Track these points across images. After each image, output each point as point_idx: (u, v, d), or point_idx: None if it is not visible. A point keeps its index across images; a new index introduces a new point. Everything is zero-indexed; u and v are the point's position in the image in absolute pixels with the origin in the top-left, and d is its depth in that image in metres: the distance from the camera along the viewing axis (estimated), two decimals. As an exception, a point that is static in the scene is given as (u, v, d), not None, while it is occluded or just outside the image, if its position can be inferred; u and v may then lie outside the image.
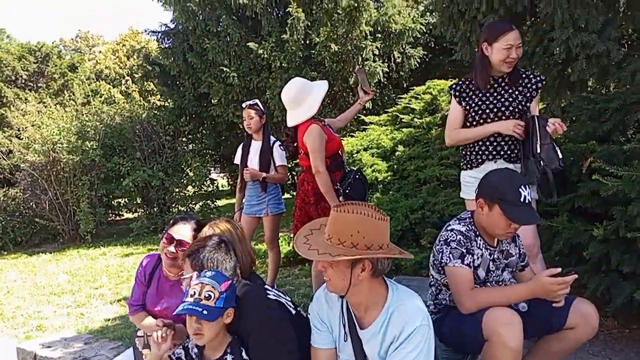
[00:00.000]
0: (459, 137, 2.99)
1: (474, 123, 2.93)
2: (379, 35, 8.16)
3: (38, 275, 7.09)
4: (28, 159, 9.66)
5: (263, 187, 4.09)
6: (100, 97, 15.53)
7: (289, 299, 2.05)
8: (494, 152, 2.89)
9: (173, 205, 10.75)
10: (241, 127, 11.49)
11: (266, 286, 2.11)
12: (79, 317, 4.80)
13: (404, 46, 8.42)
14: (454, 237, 2.16)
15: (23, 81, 14.63)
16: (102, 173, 9.93)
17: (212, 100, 9.78)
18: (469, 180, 3.09)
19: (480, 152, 2.95)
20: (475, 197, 2.25)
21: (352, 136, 6.65)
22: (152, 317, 2.72)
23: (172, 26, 10.29)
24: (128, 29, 21.30)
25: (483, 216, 2.21)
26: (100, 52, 18.97)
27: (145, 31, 9.96)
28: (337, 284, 1.75)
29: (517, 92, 2.82)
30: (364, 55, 8.00)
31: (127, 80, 18.42)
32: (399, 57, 8.80)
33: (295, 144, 3.51)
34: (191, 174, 10.57)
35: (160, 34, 10.25)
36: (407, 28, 8.08)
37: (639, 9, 3.45)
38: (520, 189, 2.13)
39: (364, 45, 7.95)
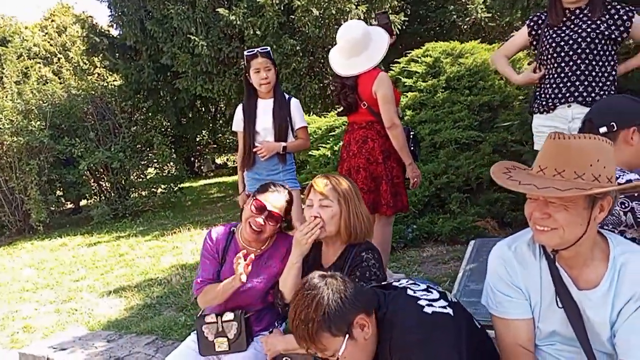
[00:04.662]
0: (497, 60, 3.01)
1: (550, 58, 2.69)
2: (363, -1, 7.76)
3: (-5, 272, 6.17)
4: (-37, 142, 8.44)
5: (282, 159, 3.27)
6: (32, 76, 14.01)
7: (437, 293, 1.59)
8: (567, 94, 2.65)
9: (132, 189, 9.88)
10: (203, 102, 10.77)
11: (413, 291, 1.60)
12: (72, 313, 4.12)
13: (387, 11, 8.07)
14: None
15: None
16: (51, 156, 8.90)
17: (174, 73, 8.96)
18: (543, 130, 2.85)
19: (553, 95, 2.71)
20: (618, 130, 1.90)
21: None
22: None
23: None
24: (57, 4, 19.40)
25: (632, 148, 1.91)
26: (26, 27, 17.09)
27: (95, -4, 8.92)
28: (570, 232, 1.37)
29: (598, 24, 2.57)
30: (348, 20, 7.55)
31: (59, 59, 16.83)
32: (377, 24, 8.44)
33: (353, 96, 3.05)
34: (152, 155, 9.74)
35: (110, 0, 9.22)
36: (391, -9, 7.75)
37: None
38: None
39: (348, 9, 7.52)
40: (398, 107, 3.16)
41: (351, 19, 7.61)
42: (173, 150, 10.28)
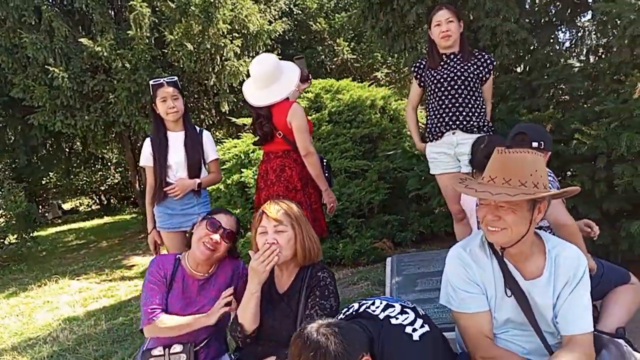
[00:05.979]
0: (408, 117, 3.47)
1: (432, 94, 3.13)
2: (237, 35, 7.90)
3: None
4: None
5: (197, 193, 3.19)
6: None
7: (412, 313, 1.74)
8: (451, 122, 3.07)
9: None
10: (55, 140, 9.82)
11: (395, 318, 1.72)
12: None
13: (260, 49, 8.33)
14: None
15: None
16: None
17: (27, 107, 8.08)
18: (434, 157, 3.23)
19: (439, 124, 3.12)
20: (542, 150, 2.28)
21: (238, 137, 6.30)
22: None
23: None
24: None
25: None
26: None
27: None
28: (517, 231, 1.63)
29: (469, 65, 3.07)
30: (224, 55, 7.63)
31: None
32: (251, 61, 8.68)
33: (269, 125, 3.12)
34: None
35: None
36: (264, 30, 8.01)
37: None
38: None
39: (223, 44, 7.59)
40: (310, 135, 3.32)
41: (227, 53, 7.73)
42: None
